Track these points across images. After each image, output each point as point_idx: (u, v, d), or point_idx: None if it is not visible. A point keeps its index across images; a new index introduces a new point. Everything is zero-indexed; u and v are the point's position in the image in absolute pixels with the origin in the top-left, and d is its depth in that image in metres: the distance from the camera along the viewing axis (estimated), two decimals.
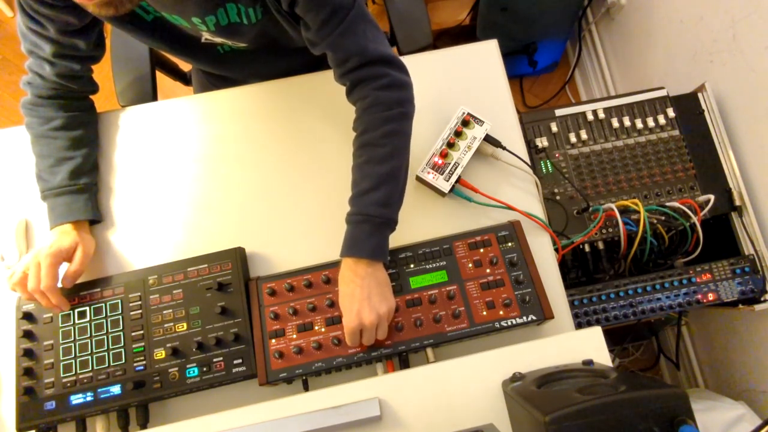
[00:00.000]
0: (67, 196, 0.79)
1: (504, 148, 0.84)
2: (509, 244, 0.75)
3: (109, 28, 0.91)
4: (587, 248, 1.00)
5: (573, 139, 1.01)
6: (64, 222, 0.77)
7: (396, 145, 0.71)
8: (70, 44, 0.75)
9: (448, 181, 0.80)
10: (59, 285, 0.73)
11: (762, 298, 0.96)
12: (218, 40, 0.81)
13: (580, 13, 1.68)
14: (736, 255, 0.98)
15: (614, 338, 1.43)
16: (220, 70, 0.99)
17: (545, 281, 0.73)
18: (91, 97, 0.87)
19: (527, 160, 0.84)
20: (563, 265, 1.05)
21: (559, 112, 1.03)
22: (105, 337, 0.73)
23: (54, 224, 0.77)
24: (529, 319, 0.70)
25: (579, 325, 0.95)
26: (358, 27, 0.68)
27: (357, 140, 0.72)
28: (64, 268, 0.74)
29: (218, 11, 0.71)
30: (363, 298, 0.67)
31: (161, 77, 1.14)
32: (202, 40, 0.82)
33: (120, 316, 0.74)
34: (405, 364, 0.71)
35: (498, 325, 0.70)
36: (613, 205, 0.95)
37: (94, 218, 0.81)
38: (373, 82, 0.70)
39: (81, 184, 0.80)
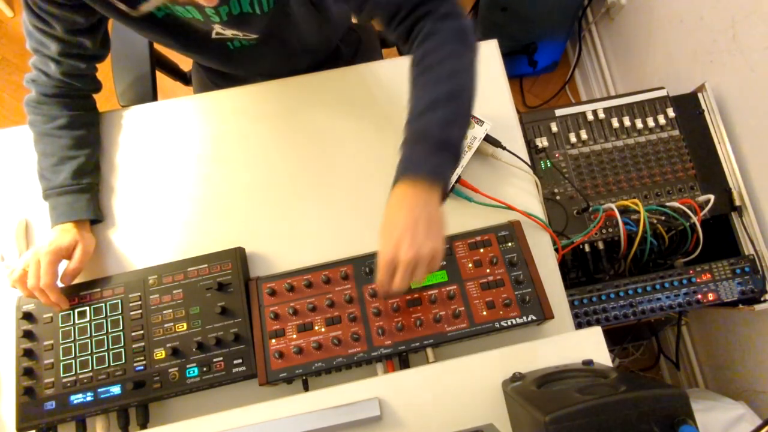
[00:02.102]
0: (70, 195, 0.79)
1: (504, 148, 0.84)
2: (509, 244, 0.75)
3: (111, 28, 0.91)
4: (587, 248, 1.00)
5: (573, 139, 1.01)
6: (66, 221, 0.77)
7: (457, 68, 0.63)
8: (76, 43, 0.75)
9: None
10: (59, 282, 0.73)
11: (762, 298, 0.96)
12: (229, 33, 0.81)
13: (580, 13, 1.68)
14: (736, 255, 0.98)
15: (614, 338, 1.43)
16: (228, 68, 0.98)
17: (545, 281, 0.73)
18: (93, 96, 0.88)
19: (527, 160, 0.84)
20: (563, 265, 1.05)
21: (559, 112, 1.03)
22: (105, 337, 0.73)
23: (55, 223, 0.77)
24: (529, 319, 0.70)
25: (579, 325, 0.95)
26: None
27: (414, 69, 0.66)
28: (64, 266, 0.75)
29: (231, 2, 0.72)
30: (406, 228, 0.57)
31: (161, 77, 1.14)
32: (213, 35, 0.81)
33: (120, 316, 0.74)
34: (405, 364, 0.71)
35: (498, 325, 0.70)
36: (613, 205, 0.95)
37: (95, 218, 0.81)
38: (431, 16, 0.66)
39: (84, 184, 0.80)
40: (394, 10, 0.67)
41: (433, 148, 0.60)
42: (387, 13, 0.68)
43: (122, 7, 0.62)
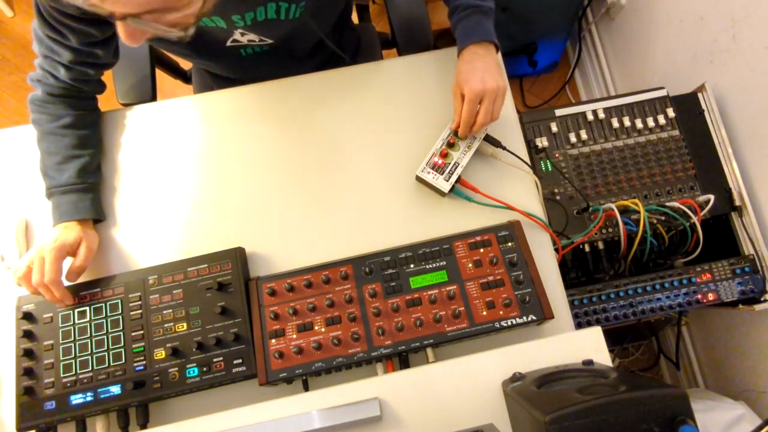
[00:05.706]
0: (74, 194, 0.79)
1: (504, 148, 0.84)
2: (509, 244, 0.75)
3: None
4: (587, 248, 1.00)
5: (573, 139, 1.01)
6: (70, 219, 0.77)
7: None
8: (89, 53, 0.76)
9: (448, 181, 0.80)
10: (64, 280, 0.73)
11: (762, 298, 0.96)
12: (245, 39, 0.81)
13: (580, 13, 1.68)
14: (736, 255, 0.98)
15: (614, 338, 1.43)
16: (238, 74, 0.99)
17: (545, 281, 0.73)
18: (96, 97, 0.88)
19: (527, 160, 0.84)
20: (563, 265, 1.05)
21: (559, 112, 1.03)
22: (105, 337, 0.73)
23: (58, 221, 0.77)
24: (529, 319, 0.70)
25: (579, 325, 0.95)
26: None
27: None
28: (67, 263, 0.74)
29: (257, 9, 0.73)
30: (485, 70, 0.76)
31: (161, 75, 1.14)
32: (228, 43, 0.82)
33: (120, 316, 0.74)
34: (405, 364, 0.71)
35: (498, 325, 0.70)
36: (613, 205, 0.95)
37: (98, 217, 0.81)
38: None
39: (88, 183, 0.81)
40: None
41: (483, 15, 0.79)
42: None
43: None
